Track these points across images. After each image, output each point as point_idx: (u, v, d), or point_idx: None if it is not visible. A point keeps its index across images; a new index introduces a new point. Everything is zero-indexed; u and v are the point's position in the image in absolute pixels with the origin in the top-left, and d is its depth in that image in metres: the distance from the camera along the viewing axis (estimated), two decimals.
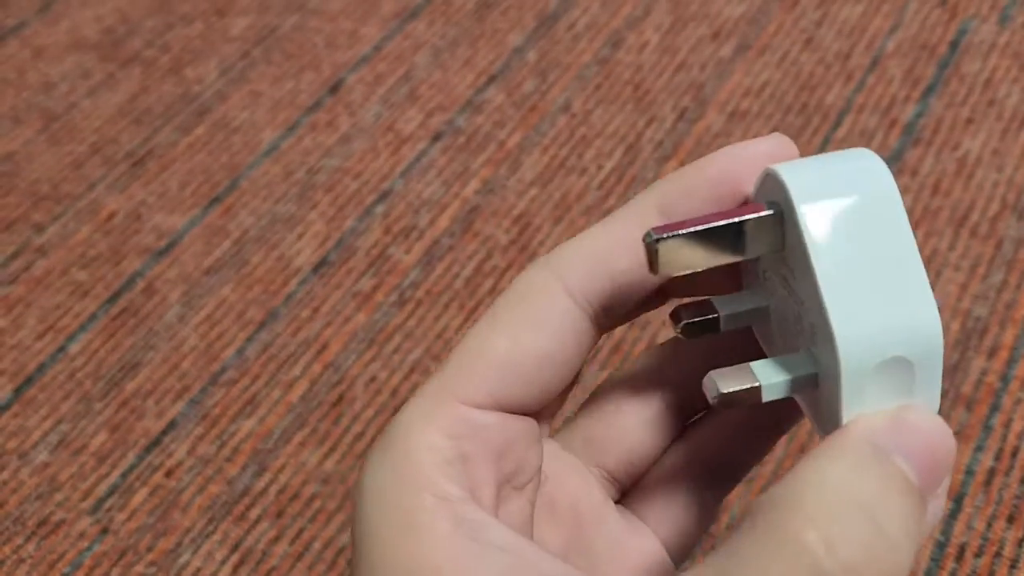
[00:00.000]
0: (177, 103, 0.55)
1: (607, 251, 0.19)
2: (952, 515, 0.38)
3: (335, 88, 0.55)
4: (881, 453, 0.16)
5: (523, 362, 0.18)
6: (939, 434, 0.16)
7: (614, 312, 0.19)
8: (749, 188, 0.18)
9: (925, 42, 0.54)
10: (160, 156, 0.53)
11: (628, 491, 0.22)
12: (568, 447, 0.21)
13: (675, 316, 0.19)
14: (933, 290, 0.44)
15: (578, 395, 0.22)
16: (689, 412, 0.22)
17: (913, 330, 0.16)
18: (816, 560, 0.15)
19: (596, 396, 0.22)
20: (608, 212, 0.48)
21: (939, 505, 0.17)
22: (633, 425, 0.21)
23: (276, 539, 0.39)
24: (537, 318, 0.18)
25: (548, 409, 0.20)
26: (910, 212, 0.47)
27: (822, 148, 0.50)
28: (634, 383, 0.21)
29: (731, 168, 0.18)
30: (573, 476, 0.21)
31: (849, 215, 0.17)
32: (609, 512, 0.21)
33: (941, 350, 0.17)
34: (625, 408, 0.21)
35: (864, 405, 0.17)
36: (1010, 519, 0.38)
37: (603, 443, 0.21)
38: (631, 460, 0.21)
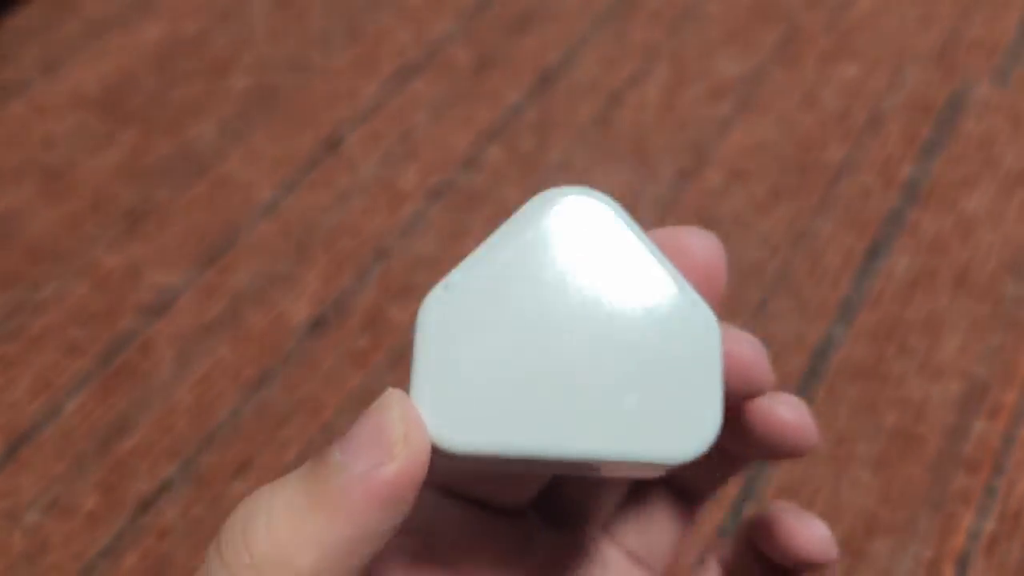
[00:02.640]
0: (176, 161, 0.55)
1: None
2: None
3: (334, 146, 0.56)
4: (316, 456, 0.16)
5: None
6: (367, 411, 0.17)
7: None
8: None
9: (923, 101, 0.55)
10: (159, 214, 0.53)
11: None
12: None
13: None
14: (931, 352, 0.44)
15: None
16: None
17: None
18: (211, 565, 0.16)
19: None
20: None
21: (390, 465, 0.16)
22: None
23: None
24: None
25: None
26: (908, 269, 0.47)
27: (821, 206, 0.50)
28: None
29: None
30: None
31: None
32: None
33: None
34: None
35: None
36: None
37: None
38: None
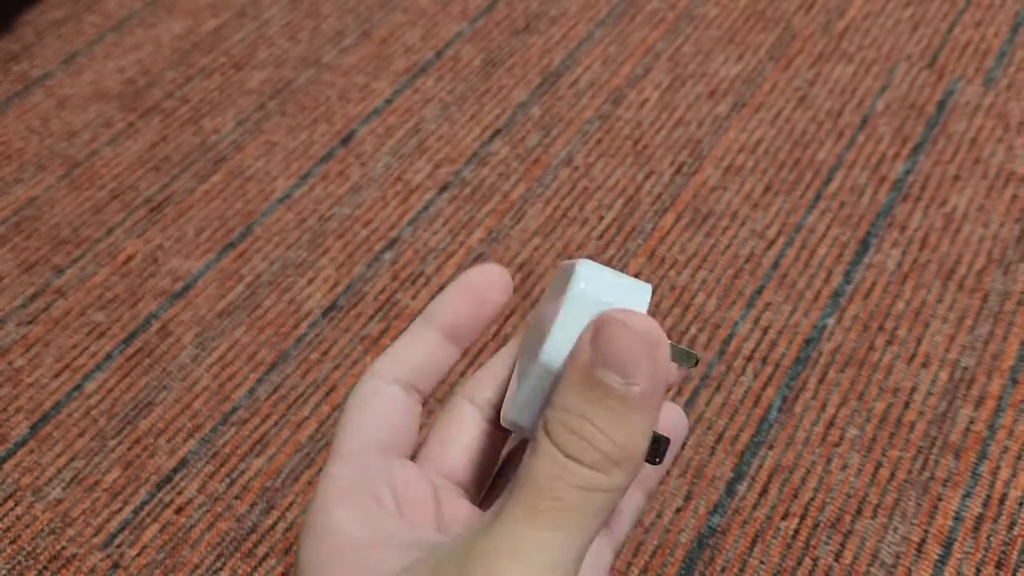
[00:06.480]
0: (195, 152, 0.57)
1: (405, 352, 0.26)
2: (941, 561, 0.39)
3: (347, 140, 0.57)
4: (599, 388, 0.21)
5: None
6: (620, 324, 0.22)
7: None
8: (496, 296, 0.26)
9: (913, 102, 0.56)
10: (177, 202, 0.54)
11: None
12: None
13: None
14: (920, 342, 0.45)
15: None
16: None
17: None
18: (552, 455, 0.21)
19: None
20: (608, 261, 0.49)
21: (662, 386, 0.22)
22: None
23: None
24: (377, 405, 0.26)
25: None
26: (898, 263, 0.48)
27: (815, 202, 0.51)
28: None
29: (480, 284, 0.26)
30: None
31: None
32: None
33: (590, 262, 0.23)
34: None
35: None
36: (999, 565, 0.38)
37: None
38: None
